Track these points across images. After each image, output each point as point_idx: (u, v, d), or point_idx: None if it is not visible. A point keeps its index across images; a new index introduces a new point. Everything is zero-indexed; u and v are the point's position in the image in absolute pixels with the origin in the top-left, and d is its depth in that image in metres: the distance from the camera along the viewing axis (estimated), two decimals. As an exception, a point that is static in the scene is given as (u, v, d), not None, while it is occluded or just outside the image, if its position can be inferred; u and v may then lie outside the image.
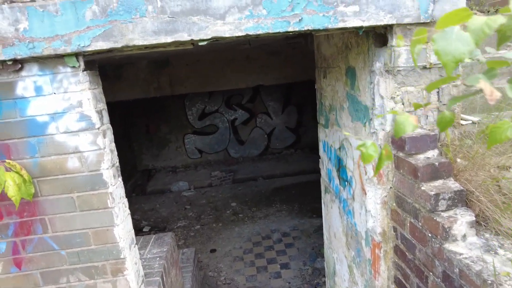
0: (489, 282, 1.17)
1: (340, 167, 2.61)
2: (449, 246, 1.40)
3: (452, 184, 1.50)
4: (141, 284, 2.01)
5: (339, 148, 2.58)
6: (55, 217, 1.76)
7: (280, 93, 9.58)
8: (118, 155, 1.92)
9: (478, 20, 0.54)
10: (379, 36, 1.77)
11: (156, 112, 9.41)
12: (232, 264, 5.32)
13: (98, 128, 1.66)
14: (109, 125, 1.81)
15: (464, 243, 1.39)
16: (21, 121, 1.62)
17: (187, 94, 9.03)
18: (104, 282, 1.87)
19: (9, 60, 1.48)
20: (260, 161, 9.72)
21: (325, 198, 3.18)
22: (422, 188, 1.51)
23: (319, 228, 6.04)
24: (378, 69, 1.77)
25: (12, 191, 1.41)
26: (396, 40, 1.60)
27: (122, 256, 1.83)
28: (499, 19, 0.54)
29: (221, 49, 5.41)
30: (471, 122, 2.20)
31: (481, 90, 0.57)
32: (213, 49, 5.23)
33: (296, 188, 7.77)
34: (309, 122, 9.87)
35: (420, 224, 1.57)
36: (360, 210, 2.28)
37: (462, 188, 1.47)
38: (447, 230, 1.39)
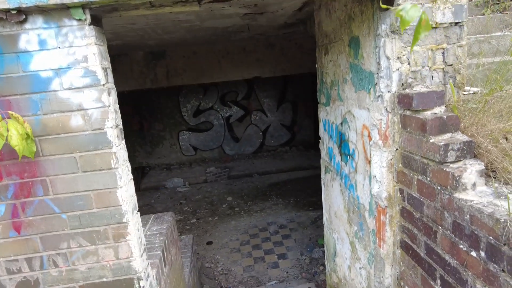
0: (502, 220, 1.17)
1: (342, 142, 2.61)
2: (459, 195, 1.40)
3: (461, 137, 1.51)
4: (143, 252, 1.96)
5: (341, 123, 2.59)
6: (56, 178, 1.72)
7: (275, 90, 9.61)
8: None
9: None
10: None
11: (150, 109, 9.35)
12: (229, 256, 5.26)
13: (103, 85, 1.63)
14: (114, 86, 1.78)
15: (474, 191, 1.40)
16: (23, 76, 1.58)
17: (181, 90, 9.01)
18: (105, 248, 1.83)
19: (14, 9, 1.45)
20: (255, 158, 9.70)
21: (325, 178, 3.18)
22: (431, 141, 1.51)
23: (316, 220, 6.04)
24: (383, 31, 1.78)
25: (15, 141, 1.37)
26: (403, -3, 1.61)
27: (124, 220, 1.79)
28: None
29: (218, 41, 5.42)
30: (472, 92, 2.23)
31: None
32: (210, 40, 5.24)
33: (291, 183, 7.76)
34: (303, 120, 9.91)
35: (428, 179, 1.57)
36: (363, 182, 2.28)
37: (470, 139, 1.47)
38: (457, 179, 1.40)
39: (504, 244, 1.17)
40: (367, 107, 2.09)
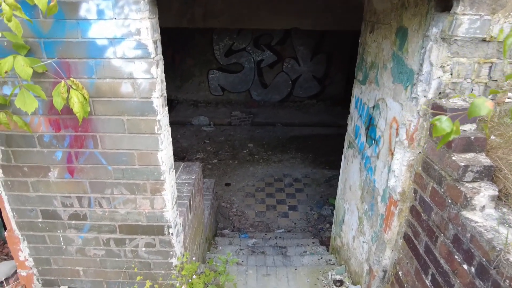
0: (498, 249, 1.30)
1: (370, 125, 2.66)
2: (466, 213, 1.51)
3: (483, 159, 1.57)
4: (174, 204, 2.24)
5: (373, 107, 2.62)
6: (105, 135, 1.93)
7: (311, 38, 9.20)
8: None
9: None
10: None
11: (183, 43, 9.27)
12: (244, 199, 5.69)
13: (153, 58, 1.74)
14: (161, 56, 1.88)
15: (482, 213, 1.51)
16: (82, 42, 1.70)
17: (216, 27, 8.79)
18: (143, 198, 2.10)
19: (77, -20, 1.52)
20: (281, 107, 9.74)
21: (347, 152, 3.29)
22: (453, 158, 1.58)
23: (330, 179, 6.28)
24: (433, 35, 1.74)
25: (77, 108, 1.54)
26: (461, 7, 1.55)
27: (162, 178, 2.03)
28: None
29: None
30: (513, 100, 2.18)
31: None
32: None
33: (313, 139, 7.90)
34: (336, 74, 9.63)
35: (442, 190, 1.68)
36: (383, 169, 2.39)
37: (492, 164, 1.54)
38: (469, 199, 1.50)
39: (494, 268, 1.32)
40: (401, 102, 2.12)
